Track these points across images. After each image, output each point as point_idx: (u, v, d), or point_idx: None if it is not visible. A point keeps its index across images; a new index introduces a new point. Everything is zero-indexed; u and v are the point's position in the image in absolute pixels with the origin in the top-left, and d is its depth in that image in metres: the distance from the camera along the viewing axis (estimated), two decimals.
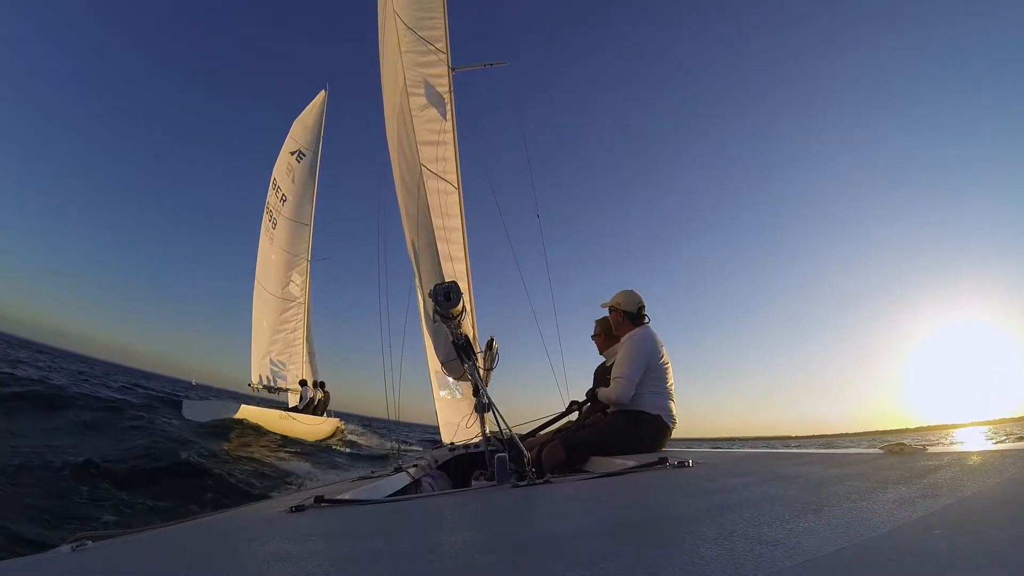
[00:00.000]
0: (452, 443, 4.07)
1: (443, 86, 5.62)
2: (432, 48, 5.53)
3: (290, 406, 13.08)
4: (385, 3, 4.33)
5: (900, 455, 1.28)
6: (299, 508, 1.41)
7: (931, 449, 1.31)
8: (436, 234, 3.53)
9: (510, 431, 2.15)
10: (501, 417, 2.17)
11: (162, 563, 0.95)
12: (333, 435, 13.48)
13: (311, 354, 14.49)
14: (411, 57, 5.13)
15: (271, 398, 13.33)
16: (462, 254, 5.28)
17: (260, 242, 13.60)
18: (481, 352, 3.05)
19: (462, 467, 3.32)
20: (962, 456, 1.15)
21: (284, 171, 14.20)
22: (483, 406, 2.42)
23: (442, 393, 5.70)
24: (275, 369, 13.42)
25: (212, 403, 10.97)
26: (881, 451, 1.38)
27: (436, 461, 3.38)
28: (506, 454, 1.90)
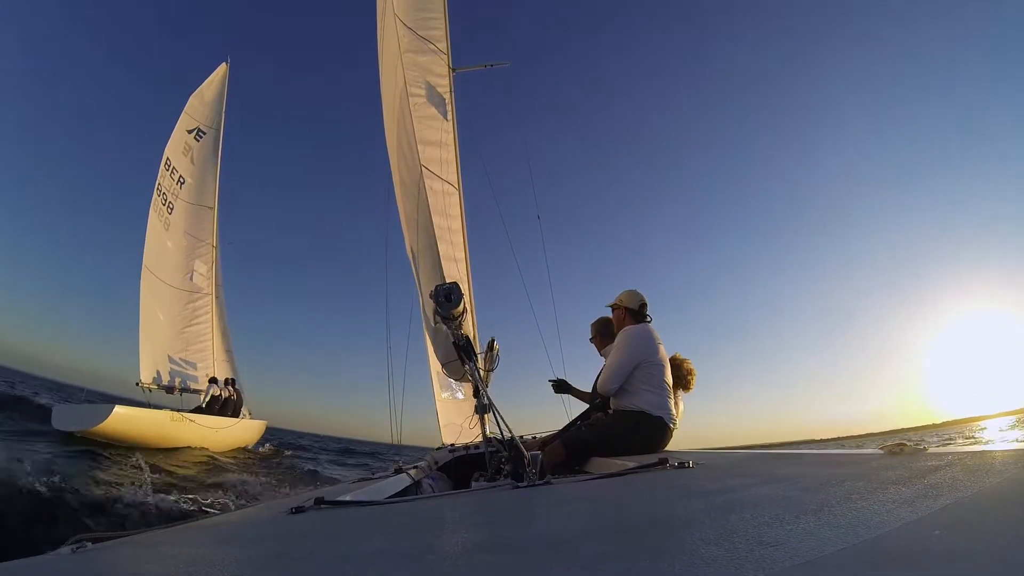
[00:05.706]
0: (452, 444, 4.07)
1: (443, 86, 5.62)
2: (432, 48, 5.53)
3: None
4: (384, 4, 4.33)
5: (900, 455, 1.28)
6: (299, 509, 1.41)
7: (931, 449, 1.31)
8: (436, 234, 3.53)
9: (511, 432, 2.15)
10: (502, 418, 2.16)
11: (162, 565, 0.95)
12: (255, 441, 12.14)
13: (227, 351, 12.97)
14: (411, 57, 5.12)
15: (167, 401, 11.30)
16: (462, 255, 5.28)
17: (149, 225, 11.92)
18: (482, 353, 3.05)
19: (462, 468, 3.32)
20: (962, 456, 1.14)
21: (180, 151, 12.71)
22: (483, 407, 2.42)
23: (443, 395, 5.70)
24: (178, 369, 11.86)
25: (85, 408, 9.02)
26: (881, 451, 1.38)
27: (436, 462, 3.39)
28: (515, 455, 1.90)
